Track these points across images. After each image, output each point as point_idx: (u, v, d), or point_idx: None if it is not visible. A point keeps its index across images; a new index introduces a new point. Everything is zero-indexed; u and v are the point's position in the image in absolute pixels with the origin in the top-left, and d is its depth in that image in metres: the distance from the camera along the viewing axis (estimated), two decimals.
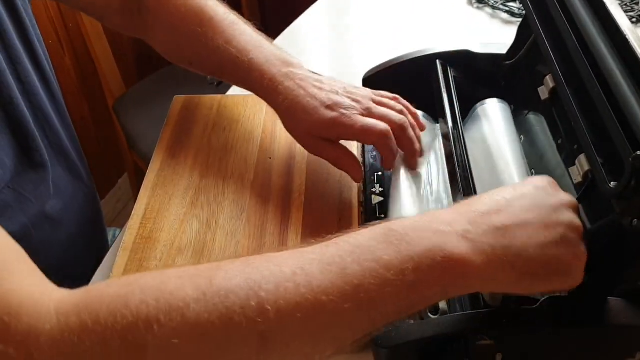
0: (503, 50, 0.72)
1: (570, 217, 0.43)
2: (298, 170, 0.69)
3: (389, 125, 0.59)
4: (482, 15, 1.01)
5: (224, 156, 0.71)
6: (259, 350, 0.36)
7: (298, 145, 0.71)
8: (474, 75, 0.72)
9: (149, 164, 0.71)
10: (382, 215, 0.62)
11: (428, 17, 1.02)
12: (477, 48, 0.72)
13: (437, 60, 0.70)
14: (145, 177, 0.69)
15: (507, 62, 0.70)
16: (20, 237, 0.39)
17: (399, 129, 0.60)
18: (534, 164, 0.62)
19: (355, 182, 0.64)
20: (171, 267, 0.59)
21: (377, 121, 0.59)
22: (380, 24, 1.01)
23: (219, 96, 0.79)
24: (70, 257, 0.71)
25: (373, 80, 0.73)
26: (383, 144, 0.59)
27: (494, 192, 0.44)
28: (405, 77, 0.72)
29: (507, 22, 0.99)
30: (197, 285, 0.35)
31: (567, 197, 0.45)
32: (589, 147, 0.46)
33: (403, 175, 0.61)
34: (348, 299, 0.37)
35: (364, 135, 0.59)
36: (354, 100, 0.60)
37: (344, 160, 0.62)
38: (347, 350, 0.42)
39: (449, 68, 0.70)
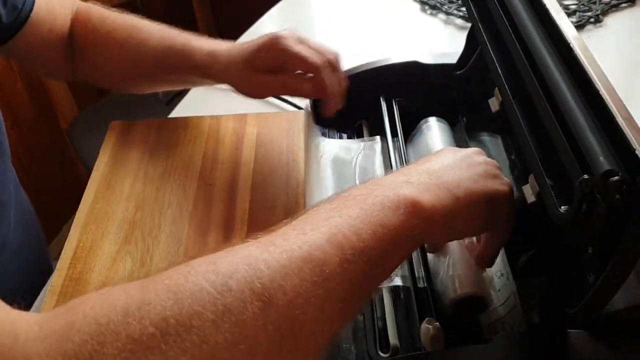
0: (454, 59, 0.68)
1: (485, 159, 0.47)
2: (241, 197, 0.64)
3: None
4: (435, 22, 0.98)
5: (161, 185, 0.66)
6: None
7: (241, 170, 0.67)
8: (425, 87, 0.69)
9: None
10: None
11: (381, 25, 0.99)
12: (428, 58, 0.69)
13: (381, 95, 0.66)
14: (77, 212, 0.64)
15: (458, 72, 0.66)
16: None
17: (331, 64, 0.60)
18: None
19: (330, 112, 0.62)
20: None
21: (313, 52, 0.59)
22: (334, 33, 0.98)
23: (158, 120, 0.74)
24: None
25: None
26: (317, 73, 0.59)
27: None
28: (357, 88, 0.68)
29: (461, 28, 0.95)
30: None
31: (477, 151, 0.48)
32: (537, 167, 0.42)
33: None
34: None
35: (300, 60, 0.58)
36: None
37: (292, 81, 0.60)
38: None
39: (394, 91, 0.68)
